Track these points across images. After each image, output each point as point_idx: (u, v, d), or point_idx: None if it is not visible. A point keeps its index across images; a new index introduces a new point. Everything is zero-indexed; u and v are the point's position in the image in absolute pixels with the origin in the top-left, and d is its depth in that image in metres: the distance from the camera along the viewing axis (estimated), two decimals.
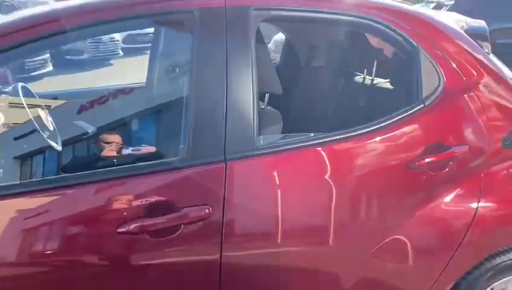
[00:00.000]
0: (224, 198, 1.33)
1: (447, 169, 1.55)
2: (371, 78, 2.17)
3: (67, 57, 7.95)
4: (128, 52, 9.12)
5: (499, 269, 1.66)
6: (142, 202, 1.30)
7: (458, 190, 1.59)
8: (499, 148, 1.62)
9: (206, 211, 1.31)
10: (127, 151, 1.70)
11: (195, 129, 1.36)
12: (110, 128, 1.90)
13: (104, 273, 1.35)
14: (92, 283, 1.34)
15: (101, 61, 8.43)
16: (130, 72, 7.08)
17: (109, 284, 1.36)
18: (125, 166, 1.45)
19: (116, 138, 1.75)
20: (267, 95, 1.76)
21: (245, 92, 1.41)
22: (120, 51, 9.08)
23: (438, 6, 11.09)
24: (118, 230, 1.27)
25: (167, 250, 1.33)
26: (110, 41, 8.69)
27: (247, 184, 1.41)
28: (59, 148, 1.67)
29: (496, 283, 1.69)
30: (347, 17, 1.61)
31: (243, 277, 1.45)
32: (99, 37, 8.48)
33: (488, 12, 6.93)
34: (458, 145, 1.57)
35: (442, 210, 1.58)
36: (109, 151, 1.71)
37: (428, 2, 13.42)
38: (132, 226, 1.28)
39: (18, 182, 1.67)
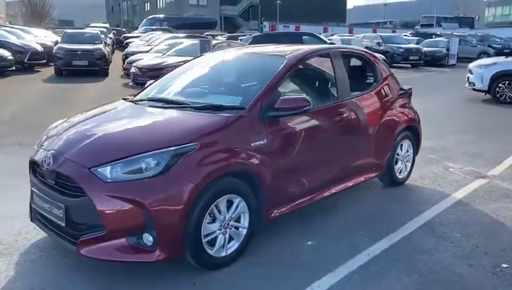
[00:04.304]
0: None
1: (391, 101, 4.71)
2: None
3: None
4: None
5: (403, 136, 4.90)
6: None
7: (392, 110, 4.75)
8: (398, 94, 4.89)
9: None
10: None
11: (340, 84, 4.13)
12: None
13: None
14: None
15: None
16: None
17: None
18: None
19: None
20: None
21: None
22: None
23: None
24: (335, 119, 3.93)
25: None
26: None
27: (348, 109, 4.18)
28: None
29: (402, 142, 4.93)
30: (353, 52, 4.67)
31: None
32: None
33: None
34: (391, 94, 4.77)
35: (390, 117, 4.68)
36: None
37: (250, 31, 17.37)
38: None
39: None
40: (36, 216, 3.31)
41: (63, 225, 2.92)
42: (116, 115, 3.60)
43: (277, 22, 41.59)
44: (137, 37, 28.74)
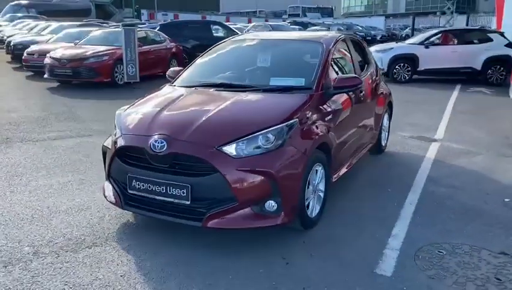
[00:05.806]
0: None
1: (379, 80, 5.50)
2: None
3: None
4: None
5: (385, 109, 5.74)
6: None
7: (381, 87, 5.56)
8: (379, 74, 5.72)
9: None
10: None
11: (356, 65, 4.78)
12: None
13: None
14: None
15: None
16: None
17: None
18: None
19: None
20: None
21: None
22: None
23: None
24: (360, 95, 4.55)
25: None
26: None
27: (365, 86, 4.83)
28: None
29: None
30: (355, 39, 5.35)
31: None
32: None
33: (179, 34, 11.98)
34: (377, 74, 5.56)
35: (381, 93, 5.49)
36: None
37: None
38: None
39: None
40: (128, 202, 3.35)
41: (187, 203, 3.08)
42: (195, 100, 3.77)
43: (155, 10, 40.76)
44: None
